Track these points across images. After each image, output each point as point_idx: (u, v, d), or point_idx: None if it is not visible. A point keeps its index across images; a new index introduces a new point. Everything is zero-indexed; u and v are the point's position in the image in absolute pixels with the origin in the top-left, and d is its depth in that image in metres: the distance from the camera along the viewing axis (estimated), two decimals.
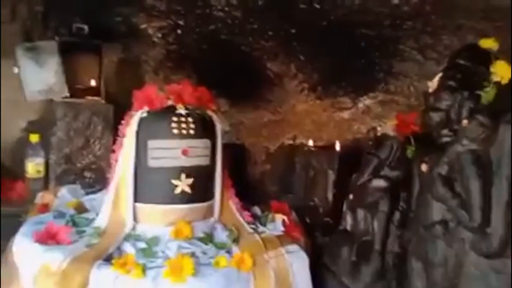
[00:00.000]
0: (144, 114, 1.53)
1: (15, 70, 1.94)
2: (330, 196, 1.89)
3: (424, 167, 1.09)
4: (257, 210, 1.81)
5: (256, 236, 1.56)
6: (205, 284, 1.30)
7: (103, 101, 2.08)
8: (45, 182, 2.01)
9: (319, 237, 1.77)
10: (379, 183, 1.49)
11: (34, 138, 2.00)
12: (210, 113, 1.64)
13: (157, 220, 1.51)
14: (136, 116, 1.54)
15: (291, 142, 2.36)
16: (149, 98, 1.55)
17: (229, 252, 1.47)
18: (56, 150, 1.99)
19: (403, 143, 1.42)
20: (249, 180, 2.37)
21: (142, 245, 1.44)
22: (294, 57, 2.12)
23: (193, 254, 1.39)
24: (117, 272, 1.26)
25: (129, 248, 1.42)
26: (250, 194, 2.01)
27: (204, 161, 1.57)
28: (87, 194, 1.89)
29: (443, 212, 1.03)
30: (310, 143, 2.07)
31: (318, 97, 2.21)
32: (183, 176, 1.51)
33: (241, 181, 1.97)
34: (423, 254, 1.08)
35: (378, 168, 1.53)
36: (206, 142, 1.58)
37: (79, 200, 1.78)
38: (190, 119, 1.53)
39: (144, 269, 1.29)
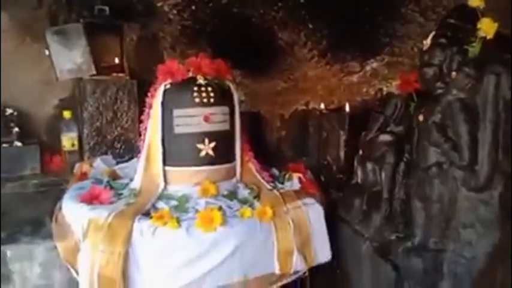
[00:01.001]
0: (168, 86, 1.66)
1: (47, 53, 2.08)
2: (341, 154, 2.01)
3: (421, 117, 1.22)
4: (275, 171, 1.95)
5: (276, 192, 1.70)
6: (232, 232, 1.47)
7: (127, 77, 2.22)
8: (80, 154, 2.18)
9: (334, 193, 1.90)
10: (385, 137, 1.62)
11: (67, 114, 2.17)
12: (227, 82, 1.75)
13: (186, 181, 1.65)
14: (160, 88, 1.66)
15: (304, 108, 2.47)
16: (171, 71, 1.67)
17: (251, 206, 1.61)
18: (88, 124, 2.15)
19: (407, 100, 1.54)
20: (267, 145, 2.51)
21: (174, 202, 1.59)
22: (303, 26, 2.20)
23: (220, 208, 1.54)
24: (155, 224, 1.43)
25: (162, 206, 1.57)
26: (268, 158, 2.09)
27: (224, 127, 1.70)
28: (118, 163, 2.06)
29: (437, 156, 1.17)
30: (322, 106, 2.17)
31: (328, 63, 2.30)
32: (206, 140, 1.64)
33: (259, 147, 2.04)
34: (422, 194, 1.23)
35: (385, 125, 1.65)
36: (225, 109, 1.70)
37: (112, 168, 1.95)
38: (209, 89, 1.65)
39: (179, 221, 1.45)
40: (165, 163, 1.65)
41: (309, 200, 1.65)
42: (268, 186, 1.76)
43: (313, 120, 2.27)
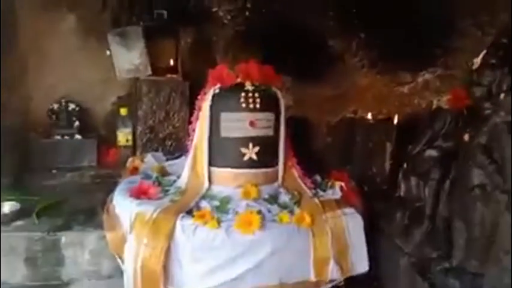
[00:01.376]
0: (217, 91, 1.71)
1: (108, 53, 2.21)
2: (387, 166, 1.98)
3: (466, 137, 1.19)
4: (318, 178, 1.95)
5: (316, 200, 1.71)
6: (269, 236, 1.50)
7: (180, 79, 2.30)
8: (133, 149, 2.30)
9: (377, 204, 1.86)
10: (432, 153, 1.58)
11: (123, 111, 2.30)
12: (274, 89, 1.78)
13: (229, 182, 1.71)
14: (210, 92, 1.72)
15: (352, 116, 2.45)
16: (221, 76, 1.73)
17: (291, 212, 1.63)
18: (142, 122, 2.26)
19: (457, 115, 1.50)
20: (312, 151, 2.49)
21: (216, 203, 1.65)
22: (355, 35, 2.20)
23: (259, 212, 1.58)
24: (196, 223, 1.50)
25: (205, 205, 1.64)
26: (313, 164, 2.08)
27: (268, 132, 1.73)
28: (167, 160, 2.14)
29: (481, 177, 1.14)
30: (369, 116, 2.16)
31: (378, 72, 2.29)
32: (250, 144, 1.69)
33: (305, 152, 2.04)
34: (465, 214, 1.20)
35: (432, 139, 1.62)
36: (270, 115, 1.74)
37: (162, 164, 2.03)
38: (256, 95, 1.69)
39: (219, 221, 1.51)
40: (210, 164, 1.71)
41: (349, 210, 1.66)
42: (310, 193, 1.77)
43: (360, 129, 2.26)
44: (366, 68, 2.32)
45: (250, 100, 1.68)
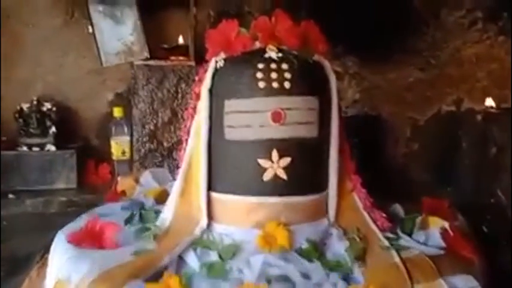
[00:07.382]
0: (221, 64, 1.15)
1: (89, 29, 1.77)
2: None
3: None
4: (399, 209, 1.36)
5: (395, 256, 1.06)
6: None
7: (192, 63, 1.82)
8: (130, 164, 1.84)
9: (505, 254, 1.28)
10: None
11: (118, 112, 1.83)
12: (318, 58, 1.19)
13: (239, 218, 1.13)
14: (210, 67, 1.17)
15: (452, 108, 1.93)
16: (227, 39, 1.17)
17: (346, 279, 1.01)
18: (139, 126, 1.80)
19: None
20: (388, 165, 2.04)
21: (213, 256, 1.05)
22: None
23: (285, 279, 0.98)
24: None
25: (192, 260, 1.04)
26: (389, 185, 1.67)
27: (308, 132, 1.15)
28: (174, 179, 1.54)
29: None
30: (489, 103, 1.61)
31: (500, 32, 1.74)
32: (274, 153, 1.11)
33: (375, 167, 1.70)
34: None
35: None
36: (311, 102, 1.14)
37: (163, 187, 1.53)
38: (284, 66, 1.12)
39: None
40: (210, 187, 1.16)
41: (462, 280, 0.98)
42: (384, 240, 1.14)
43: (468, 128, 1.76)
44: (477, 25, 1.76)
45: (274, 75, 1.11)
